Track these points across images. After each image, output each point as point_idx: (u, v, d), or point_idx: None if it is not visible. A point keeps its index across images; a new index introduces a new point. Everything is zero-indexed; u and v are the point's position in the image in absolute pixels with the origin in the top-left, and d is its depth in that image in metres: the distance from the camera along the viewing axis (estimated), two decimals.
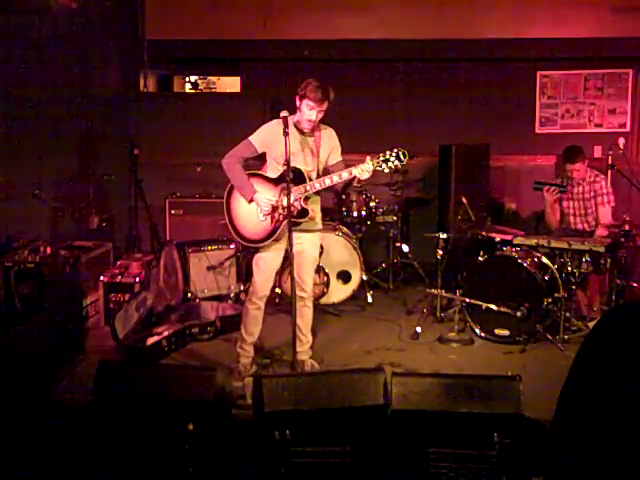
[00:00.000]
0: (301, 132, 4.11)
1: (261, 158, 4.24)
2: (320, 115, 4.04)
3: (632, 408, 2.40)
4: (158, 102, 7.47)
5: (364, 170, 3.89)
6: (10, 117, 5.13)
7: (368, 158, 3.92)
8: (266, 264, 4.24)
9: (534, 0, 7.06)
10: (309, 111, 4.00)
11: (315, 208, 4.21)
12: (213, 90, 8.73)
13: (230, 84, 8.40)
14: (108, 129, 6.65)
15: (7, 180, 4.98)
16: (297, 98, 4.05)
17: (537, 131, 7.49)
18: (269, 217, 4.12)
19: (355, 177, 3.94)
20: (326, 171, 4.22)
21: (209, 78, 8.76)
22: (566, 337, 4.87)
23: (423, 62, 7.36)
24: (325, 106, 4.01)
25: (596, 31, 7.04)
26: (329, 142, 4.21)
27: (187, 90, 8.72)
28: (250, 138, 4.16)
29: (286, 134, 3.82)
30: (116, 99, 6.93)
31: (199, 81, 8.73)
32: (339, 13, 7.12)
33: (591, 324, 5.01)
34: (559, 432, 2.74)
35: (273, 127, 4.12)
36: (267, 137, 4.12)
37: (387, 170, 3.92)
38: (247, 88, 7.51)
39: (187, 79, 8.73)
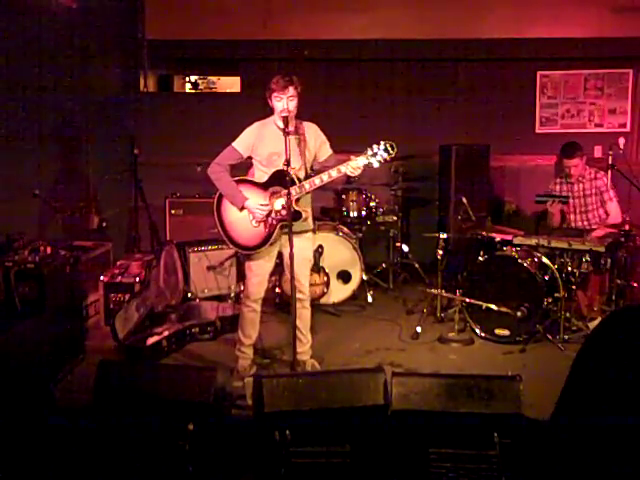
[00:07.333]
0: (284, 132, 3.95)
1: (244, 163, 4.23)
2: (292, 103, 3.99)
3: (632, 410, 2.40)
4: (158, 102, 7.47)
5: (354, 167, 3.92)
6: (10, 117, 5.12)
7: (353, 157, 3.94)
8: (259, 268, 4.25)
9: (534, 0, 7.05)
10: (279, 102, 3.99)
11: (306, 208, 4.18)
12: (213, 90, 8.74)
13: (230, 84, 8.40)
14: (108, 129, 6.65)
15: (7, 180, 4.98)
16: (268, 101, 4.05)
17: (537, 131, 7.47)
18: (262, 223, 4.11)
19: (346, 174, 3.96)
20: (319, 168, 4.21)
21: (209, 78, 8.77)
22: (566, 337, 4.87)
23: (423, 62, 7.35)
24: (292, 92, 3.98)
25: (596, 31, 7.02)
26: (315, 138, 4.19)
27: (187, 90, 8.73)
28: (234, 144, 4.14)
29: (287, 133, 3.83)
30: (116, 99, 6.93)
31: (199, 81, 8.74)
32: (339, 13, 7.10)
33: (591, 324, 5.01)
34: (557, 432, 2.73)
35: (256, 129, 4.13)
36: (251, 140, 4.12)
37: (377, 164, 3.94)
38: (247, 88, 7.49)
39: (187, 79, 8.74)
